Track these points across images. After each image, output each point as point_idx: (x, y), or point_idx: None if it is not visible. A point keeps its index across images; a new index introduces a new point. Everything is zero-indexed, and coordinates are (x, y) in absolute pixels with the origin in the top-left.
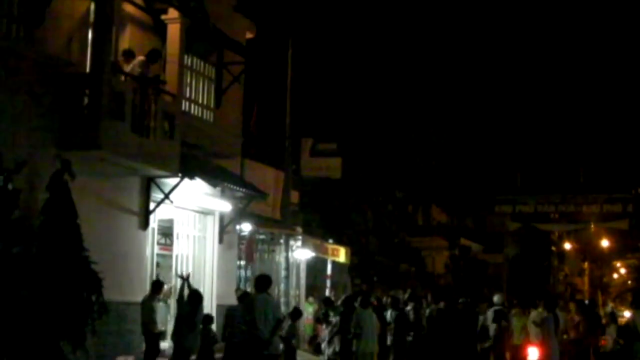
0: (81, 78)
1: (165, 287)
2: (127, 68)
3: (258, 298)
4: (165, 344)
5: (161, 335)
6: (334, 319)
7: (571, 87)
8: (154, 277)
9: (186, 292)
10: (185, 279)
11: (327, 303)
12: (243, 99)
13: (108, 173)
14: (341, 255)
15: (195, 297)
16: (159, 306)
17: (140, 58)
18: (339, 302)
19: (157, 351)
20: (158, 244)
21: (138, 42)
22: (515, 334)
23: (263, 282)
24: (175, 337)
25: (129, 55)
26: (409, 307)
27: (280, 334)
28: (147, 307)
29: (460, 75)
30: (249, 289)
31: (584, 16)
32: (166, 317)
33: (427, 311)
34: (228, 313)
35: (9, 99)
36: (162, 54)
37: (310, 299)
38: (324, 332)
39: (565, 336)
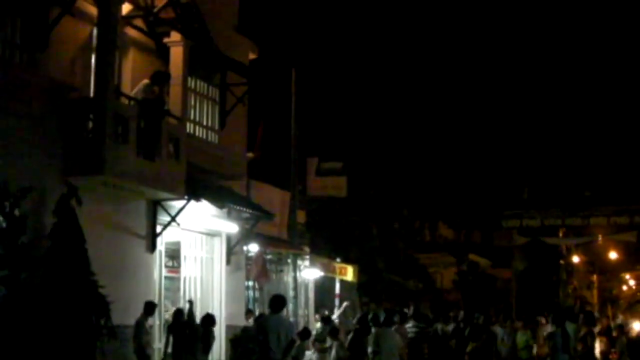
0: (85, 103)
1: (174, 309)
2: (133, 92)
3: (272, 318)
4: None
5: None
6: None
7: (577, 100)
8: (163, 300)
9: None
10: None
11: (326, 321)
12: (247, 120)
13: (114, 197)
14: (349, 273)
15: (208, 319)
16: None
17: (145, 81)
18: (354, 320)
19: None
20: (165, 266)
21: (141, 66)
22: (519, 349)
23: (278, 302)
24: None
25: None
26: (410, 324)
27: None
28: (141, 327)
29: (466, 91)
30: (257, 310)
31: (591, 28)
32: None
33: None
34: (243, 334)
35: (14, 125)
36: (169, 75)
37: (317, 316)
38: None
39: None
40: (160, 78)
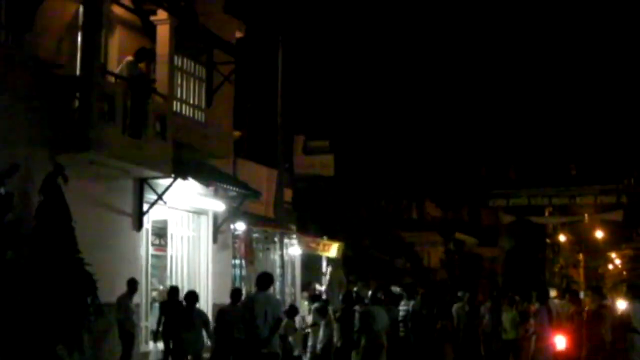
0: (71, 81)
1: (161, 288)
2: (117, 69)
3: (258, 296)
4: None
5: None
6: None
7: (562, 79)
8: (149, 279)
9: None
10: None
11: (315, 299)
12: (234, 99)
13: (101, 175)
14: (332, 250)
15: (191, 295)
16: (155, 307)
17: (128, 59)
18: (340, 297)
19: (131, 349)
20: (152, 245)
21: (127, 44)
22: (505, 329)
23: (265, 280)
24: (171, 338)
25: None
26: (403, 303)
27: (279, 333)
28: (123, 305)
29: (452, 70)
30: (244, 288)
31: (572, 9)
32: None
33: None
34: (220, 312)
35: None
36: (153, 52)
37: (305, 293)
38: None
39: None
40: (144, 55)
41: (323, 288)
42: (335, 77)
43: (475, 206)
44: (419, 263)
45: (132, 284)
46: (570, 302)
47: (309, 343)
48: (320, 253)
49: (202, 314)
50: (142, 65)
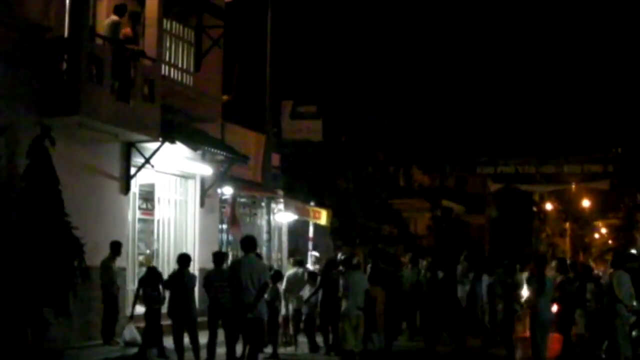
0: (60, 43)
1: (148, 252)
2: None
3: (244, 261)
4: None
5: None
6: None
7: (551, 50)
8: (136, 242)
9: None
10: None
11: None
12: (223, 63)
13: (88, 138)
14: (322, 217)
15: (183, 258)
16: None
17: (113, 18)
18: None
19: (117, 313)
20: (139, 208)
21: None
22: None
23: (249, 243)
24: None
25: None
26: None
27: (267, 298)
28: (106, 268)
29: (442, 38)
30: (230, 253)
31: None
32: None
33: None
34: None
35: None
36: (139, 14)
37: (291, 260)
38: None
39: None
40: (123, 11)
41: (316, 253)
42: (324, 41)
43: (462, 173)
44: (405, 229)
45: (115, 247)
46: (557, 271)
47: (290, 307)
48: (310, 220)
49: (193, 278)
50: (128, 28)
